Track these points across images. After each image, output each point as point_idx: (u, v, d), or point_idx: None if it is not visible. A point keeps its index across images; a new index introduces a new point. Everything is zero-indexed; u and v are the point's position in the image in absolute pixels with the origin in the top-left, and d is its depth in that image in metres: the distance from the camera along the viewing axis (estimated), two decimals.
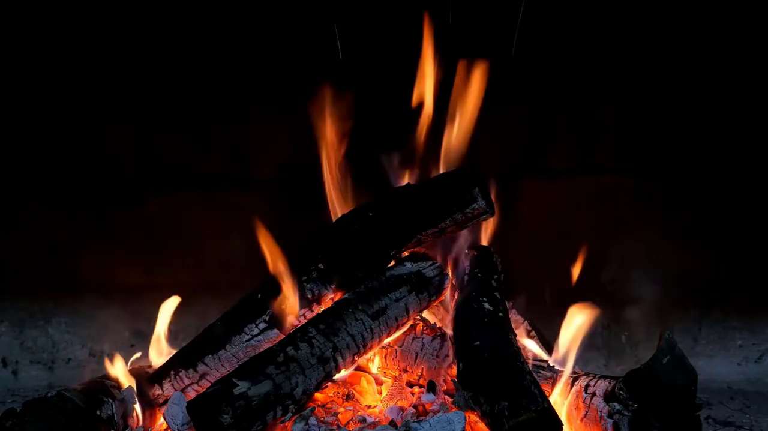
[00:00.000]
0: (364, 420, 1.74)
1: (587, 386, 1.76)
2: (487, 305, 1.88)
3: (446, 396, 1.84)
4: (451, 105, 2.10)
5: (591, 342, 2.72)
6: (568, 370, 1.86)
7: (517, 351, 1.74)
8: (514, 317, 2.13)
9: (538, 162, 2.77)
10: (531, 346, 2.10)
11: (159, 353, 2.04)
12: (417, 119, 2.16)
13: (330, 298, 1.92)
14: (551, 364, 1.93)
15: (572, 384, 1.81)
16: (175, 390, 1.87)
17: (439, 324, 2.03)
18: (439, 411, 1.74)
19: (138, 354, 2.08)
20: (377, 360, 2.02)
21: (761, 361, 2.80)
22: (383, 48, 2.55)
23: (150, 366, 2.03)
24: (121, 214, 2.73)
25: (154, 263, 2.73)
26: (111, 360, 1.94)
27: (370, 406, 1.84)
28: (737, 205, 2.75)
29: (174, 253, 2.74)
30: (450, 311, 1.99)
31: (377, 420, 1.74)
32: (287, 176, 2.73)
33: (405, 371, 1.97)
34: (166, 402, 1.82)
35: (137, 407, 1.84)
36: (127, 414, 1.81)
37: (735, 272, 2.78)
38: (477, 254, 2.15)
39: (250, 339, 1.88)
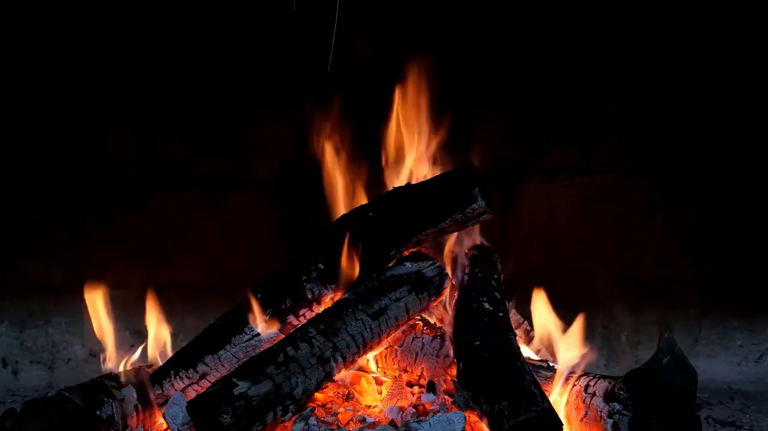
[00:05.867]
0: (364, 420, 1.74)
1: (587, 386, 1.76)
2: (487, 305, 1.88)
3: (446, 396, 1.84)
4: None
5: (591, 342, 2.72)
6: (566, 369, 1.86)
7: (517, 351, 1.74)
8: (514, 317, 2.13)
9: (538, 162, 2.77)
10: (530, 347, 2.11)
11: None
12: None
13: (330, 298, 1.92)
14: (551, 364, 1.93)
15: (572, 384, 1.81)
16: (175, 390, 1.87)
17: (439, 324, 2.03)
18: (439, 411, 1.74)
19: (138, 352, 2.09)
20: (377, 360, 2.02)
21: (761, 361, 2.80)
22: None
23: (150, 366, 2.03)
24: (121, 214, 2.72)
25: (155, 263, 2.73)
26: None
27: (370, 406, 1.84)
28: (737, 205, 2.75)
29: (174, 253, 2.74)
30: (450, 311, 1.99)
31: (377, 420, 1.74)
32: (287, 176, 2.73)
33: (405, 371, 1.97)
34: (166, 402, 1.82)
35: (138, 406, 1.84)
36: (127, 414, 1.81)
37: (735, 272, 2.78)
38: (477, 254, 2.15)
39: (250, 339, 1.88)
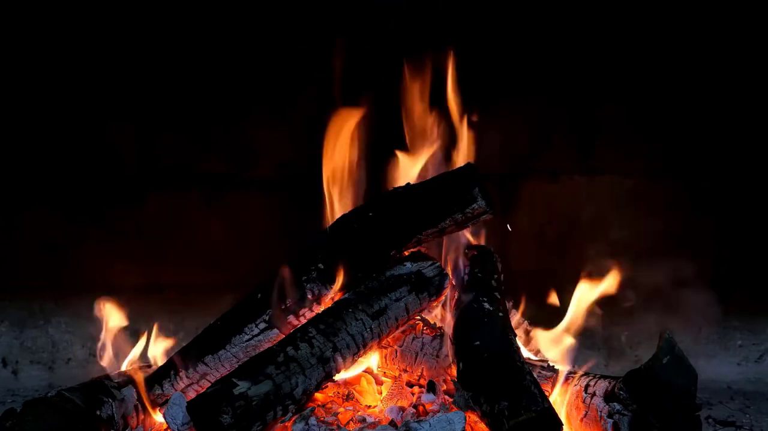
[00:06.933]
0: (364, 420, 1.74)
1: (587, 386, 1.76)
2: (487, 305, 1.88)
3: (446, 396, 1.84)
4: None
5: (591, 342, 2.73)
6: (567, 369, 1.86)
7: (517, 351, 1.74)
8: (514, 317, 2.13)
9: (538, 162, 2.77)
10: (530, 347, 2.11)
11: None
12: None
13: (330, 298, 1.92)
14: (551, 364, 1.93)
15: (572, 384, 1.81)
16: (175, 390, 1.87)
17: (439, 324, 2.03)
18: (439, 411, 1.74)
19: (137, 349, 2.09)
20: (377, 359, 2.02)
21: (761, 361, 2.80)
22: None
23: (150, 366, 2.03)
24: (121, 214, 2.72)
25: (154, 263, 2.73)
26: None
27: (370, 406, 1.84)
28: (737, 205, 2.75)
29: (174, 253, 2.74)
30: (450, 311, 2.00)
31: (377, 420, 1.74)
32: (287, 176, 2.73)
33: (405, 371, 1.97)
34: (166, 402, 1.82)
35: (138, 407, 1.84)
36: (127, 414, 1.81)
37: (735, 272, 2.78)
38: (477, 254, 2.15)
39: (250, 339, 1.88)
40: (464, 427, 1.63)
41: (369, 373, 1.96)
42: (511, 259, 2.41)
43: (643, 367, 1.59)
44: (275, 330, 1.89)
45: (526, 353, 2.00)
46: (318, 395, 1.80)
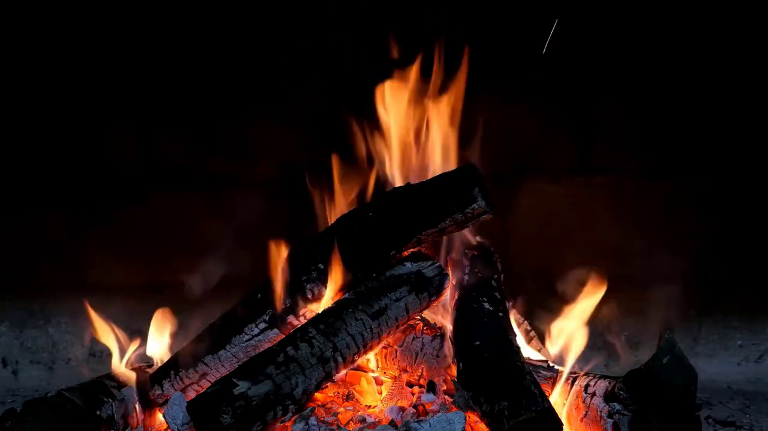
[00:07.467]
0: (364, 420, 1.74)
1: (587, 386, 1.76)
2: (487, 305, 1.88)
3: (446, 396, 1.84)
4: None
5: (591, 342, 2.72)
6: (567, 369, 1.86)
7: (517, 351, 1.74)
8: (514, 317, 2.13)
9: (538, 162, 2.77)
10: (530, 347, 2.11)
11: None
12: None
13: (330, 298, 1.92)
14: (551, 364, 1.93)
15: (572, 384, 1.81)
16: (175, 390, 1.87)
17: (439, 324, 2.03)
18: (439, 411, 1.74)
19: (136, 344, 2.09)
20: (377, 360, 2.02)
21: (761, 361, 2.80)
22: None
23: (150, 366, 2.03)
24: (121, 214, 2.72)
25: (155, 262, 2.73)
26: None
27: (370, 406, 1.84)
28: (738, 204, 2.75)
29: (175, 253, 2.74)
30: (450, 311, 2.00)
31: (377, 420, 1.74)
32: (288, 176, 2.73)
33: (405, 371, 1.97)
34: (166, 402, 1.82)
35: (137, 407, 1.84)
36: (127, 414, 1.82)
37: (735, 272, 2.78)
38: (477, 254, 2.15)
39: (250, 339, 1.88)
40: (464, 427, 1.63)
41: (369, 373, 1.96)
42: (511, 259, 2.40)
43: (643, 367, 1.59)
44: (275, 330, 1.89)
45: (526, 353, 2.00)
46: (318, 395, 1.80)
